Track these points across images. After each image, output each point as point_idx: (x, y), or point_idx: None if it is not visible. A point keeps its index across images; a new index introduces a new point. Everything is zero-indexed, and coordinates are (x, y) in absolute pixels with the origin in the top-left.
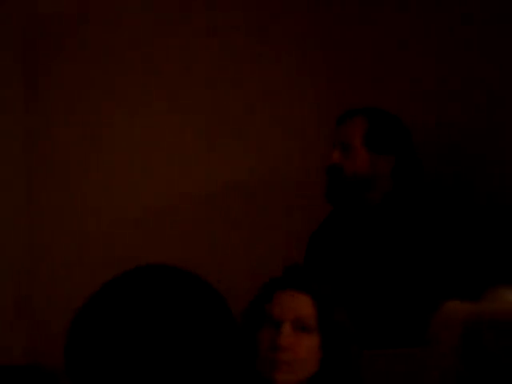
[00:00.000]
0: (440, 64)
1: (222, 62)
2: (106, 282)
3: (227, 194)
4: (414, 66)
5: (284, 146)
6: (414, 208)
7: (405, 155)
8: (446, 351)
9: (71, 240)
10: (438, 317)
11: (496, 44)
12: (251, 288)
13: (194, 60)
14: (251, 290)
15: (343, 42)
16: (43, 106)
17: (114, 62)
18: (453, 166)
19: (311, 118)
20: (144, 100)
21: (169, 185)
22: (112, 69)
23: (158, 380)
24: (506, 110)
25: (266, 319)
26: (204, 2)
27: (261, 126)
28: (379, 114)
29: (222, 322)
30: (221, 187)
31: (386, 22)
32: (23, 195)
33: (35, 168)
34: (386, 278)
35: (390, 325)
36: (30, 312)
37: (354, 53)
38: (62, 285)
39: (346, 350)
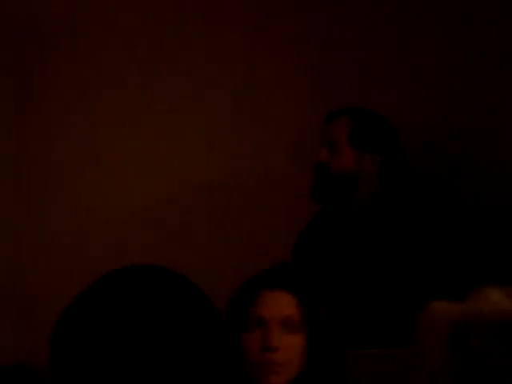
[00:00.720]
0: (429, 64)
1: (215, 62)
2: (92, 283)
3: (222, 193)
4: (405, 67)
5: (276, 146)
6: (401, 208)
7: (391, 155)
8: (433, 351)
9: (60, 240)
10: (425, 317)
11: (491, 43)
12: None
13: (190, 60)
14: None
15: (335, 43)
16: (37, 106)
17: (110, 62)
18: (439, 165)
19: (304, 117)
20: (140, 100)
21: (164, 184)
22: (107, 69)
23: (144, 380)
24: (493, 110)
25: (252, 320)
26: (199, 1)
27: (254, 126)
28: (365, 114)
29: (206, 322)
30: (215, 187)
31: (377, 22)
32: (19, 195)
33: (26, 168)
34: (373, 278)
35: (376, 324)
36: (16, 312)
37: (344, 53)
38: (49, 285)
39: (331, 349)
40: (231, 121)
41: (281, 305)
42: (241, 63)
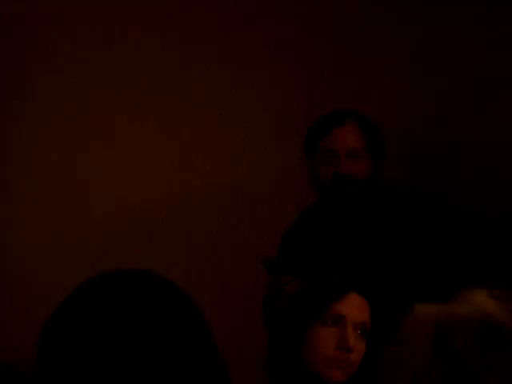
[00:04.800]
0: (417, 66)
1: (213, 63)
2: (82, 285)
3: (221, 194)
4: (392, 69)
5: (273, 147)
6: (391, 195)
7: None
8: (417, 352)
9: (52, 240)
10: (410, 318)
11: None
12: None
13: (188, 61)
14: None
15: (323, 46)
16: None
17: (110, 58)
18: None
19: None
20: (124, 102)
21: (160, 186)
22: (108, 65)
23: (130, 382)
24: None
25: (330, 316)
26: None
27: (248, 127)
28: (362, 117)
29: (188, 328)
30: (213, 188)
31: (364, 25)
32: None
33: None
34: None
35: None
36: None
37: (332, 56)
38: (34, 284)
39: (377, 359)
40: (227, 121)
41: (361, 309)
42: (238, 65)
